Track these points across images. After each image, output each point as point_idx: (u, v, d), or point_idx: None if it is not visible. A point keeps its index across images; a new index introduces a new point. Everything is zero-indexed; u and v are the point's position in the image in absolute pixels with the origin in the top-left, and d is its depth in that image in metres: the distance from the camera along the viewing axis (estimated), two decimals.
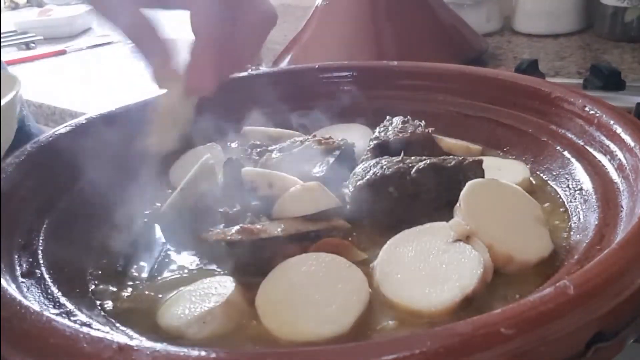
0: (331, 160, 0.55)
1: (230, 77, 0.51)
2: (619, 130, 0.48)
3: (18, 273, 0.43)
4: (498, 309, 0.31)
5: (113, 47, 1.47)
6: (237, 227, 0.47)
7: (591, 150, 0.52)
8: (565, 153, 0.54)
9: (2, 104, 0.59)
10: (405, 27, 1.02)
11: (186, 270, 0.49)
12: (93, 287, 0.47)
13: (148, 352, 0.31)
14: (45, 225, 0.50)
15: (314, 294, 0.42)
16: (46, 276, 0.44)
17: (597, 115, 0.52)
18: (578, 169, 0.52)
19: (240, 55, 0.51)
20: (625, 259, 0.34)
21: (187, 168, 0.56)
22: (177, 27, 0.50)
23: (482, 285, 0.41)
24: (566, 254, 0.45)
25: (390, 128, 0.58)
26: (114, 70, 1.30)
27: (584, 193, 0.49)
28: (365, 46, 1.01)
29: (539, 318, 0.30)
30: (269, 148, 0.59)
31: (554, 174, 0.55)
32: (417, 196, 0.49)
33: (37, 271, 0.45)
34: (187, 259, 0.50)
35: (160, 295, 0.45)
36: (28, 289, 0.42)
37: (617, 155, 0.48)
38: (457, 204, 0.47)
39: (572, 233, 0.48)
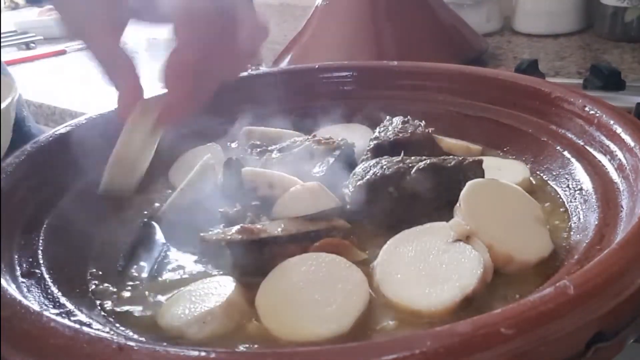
0: (331, 160, 0.55)
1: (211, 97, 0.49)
2: (619, 130, 0.48)
3: (18, 273, 0.43)
4: (498, 309, 0.31)
5: None
6: (237, 227, 0.47)
7: (591, 150, 0.52)
8: (565, 153, 0.54)
9: (2, 107, 0.59)
10: (405, 27, 1.02)
11: (186, 270, 0.49)
12: (93, 287, 0.47)
13: (148, 352, 0.31)
14: (45, 225, 0.50)
15: (313, 294, 0.42)
16: (46, 276, 0.44)
17: (597, 115, 0.52)
18: (578, 169, 0.52)
19: (226, 73, 0.48)
20: (625, 259, 0.34)
21: (187, 168, 0.56)
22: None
23: (482, 285, 0.41)
24: (566, 254, 0.45)
25: (390, 128, 0.58)
26: None
27: (584, 193, 0.49)
28: (365, 46, 1.01)
29: (539, 318, 0.30)
30: (269, 148, 0.59)
31: (554, 174, 0.55)
32: (417, 196, 0.49)
33: (37, 271, 0.45)
34: (187, 259, 0.50)
35: (160, 295, 0.45)
36: (28, 289, 0.42)
37: (617, 155, 0.48)
38: (457, 204, 0.47)
39: (572, 233, 0.48)
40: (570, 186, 0.52)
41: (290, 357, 0.31)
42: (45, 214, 0.51)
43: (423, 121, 0.59)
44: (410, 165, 0.50)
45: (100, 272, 0.49)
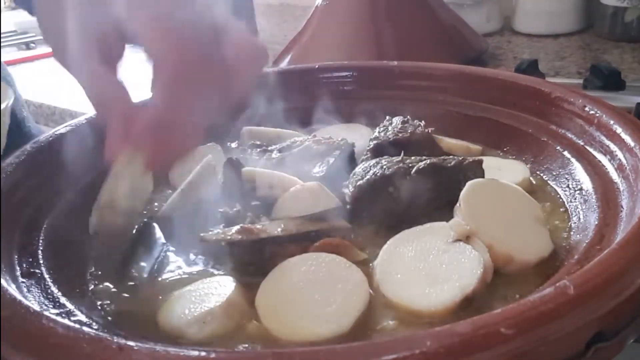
0: (331, 160, 0.55)
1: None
2: (619, 130, 0.48)
3: (18, 273, 0.43)
4: (498, 309, 0.31)
5: None
6: (237, 227, 0.47)
7: (591, 150, 0.52)
8: (565, 153, 0.54)
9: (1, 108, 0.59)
10: (405, 27, 1.02)
11: (186, 270, 0.49)
12: (93, 287, 0.47)
13: (148, 352, 0.31)
14: (45, 226, 0.50)
15: (313, 294, 0.42)
16: (46, 276, 0.44)
17: (597, 115, 0.52)
18: (578, 169, 0.52)
19: (222, 104, 0.44)
20: (625, 259, 0.34)
21: (187, 168, 0.56)
22: None
23: (482, 285, 0.41)
24: (566, 254, 0.45)
25: (390, 128, 0.58)
26: None
27: (584, 193, 0.49)
28: (365, 46, 1.01)
29: (539, 318, 0.30)
30: (269, 148, 0.59)
31: (554, 174, 0.55)
32: (417, 196, 0.49)
33: (37, 271, 0.45)
34: (187, 259, 0.50)
35: (160, 296, 0.45)
36: (28, 289, 0.42)
37: (617, 155, 0.48)
38: (457, 204, 0.47)
39: (572, 233, 0.48)
40: (570, 186, 0.52)
41: (290, 357, 0.31)
42: (45, 214, 0.51)
43: (423, 121, 0.59)
44: (410, 165, 0.50)
45: (100, 272, 0.49)
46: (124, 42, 0.44)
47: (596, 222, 0.44)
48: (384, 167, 0.50)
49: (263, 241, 0.46)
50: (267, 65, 0.45)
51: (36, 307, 0.36)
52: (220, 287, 0.44)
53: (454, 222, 0.45)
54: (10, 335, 0.34)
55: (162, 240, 0.52)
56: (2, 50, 1.47)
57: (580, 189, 0.50)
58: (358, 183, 0.50)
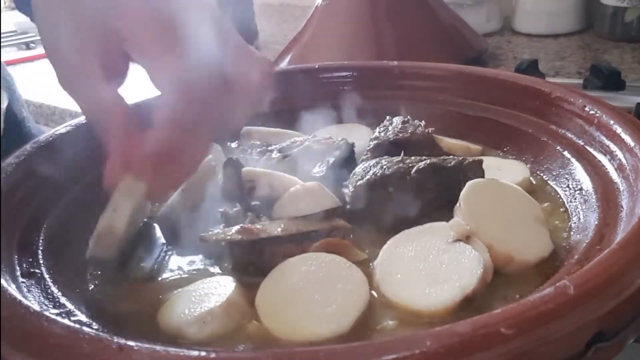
0: (331, 160, 0.55)
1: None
2: (619, 130, 0.48)
3: (18, 273, 0.43)
4: (498, 309, 0.31)
5: None
6: (237, 227, 0.47)
7: (591, 150, 0.52)
8: (565, 153, 0.54)
9: None
10: (405, 27, 1.02)
11: (186, 270, 0.49)
12: (93, 287, 0.47)
13: (148, 352, 0.31)
14: (45, 225, 0.50)
15: (313, 294, 0.42)
16: (46, 276, 0.44)
17: (597, 115, 0.52)
18: (578, 169, 0.52)
19: (225, 128, 0.44)
20: (625, 259, 0.34)
21: None
22: None
23: (482, 285, 0.41)
24: (566, 254, 0.45)
25: (390, 128, 0.59)
26: None
27: (584, 193, 0.49)
28: (365, 46, 1.01)
29: (539, 318, 0.30)
30: (269, 148, 0.59)
31: (554, 174, 0.55)
32: (417, 196, 0.49)
33: (37, 271, 0.45)
34: (187, 259, 0.50)
35: (160, 296, 0.45)
36: (28, 289, 0.42)
37: (617, 155, 0.48)
38: (457, 204, 0.47)
39: (572, 233, 0.48)
40: (570, 186, 0.52)
41: (290, 357, 0.31)
42: (45, 214, 0.51)
43: (423, 121, 0.59)
44: (410, 165, 0.50)
45: (100, 272, 0.49)
46: (127, 61, 0.43)
47: (596, 222, 0.44)
48: (384, 167, 0.50)
49: (263, 241, 0.46)
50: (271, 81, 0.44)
51: (36, 307, 0.36)
52: (221, 287, 0.44)
53: (454, 222, 0.45)
54: (10, 335, 0.34)
55: (162, 240, 0.52)
56: (2, 50, 1.47)
57: (580, 189, 0.50)
58: (358, 183, 0.50)
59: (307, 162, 0.56)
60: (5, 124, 0.77)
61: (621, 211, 0.43)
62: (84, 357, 0.32)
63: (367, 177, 0.50)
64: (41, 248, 0.47)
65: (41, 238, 0.49)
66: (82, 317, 0.39)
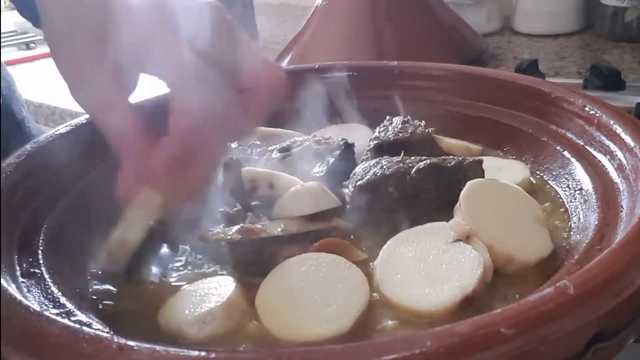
0: (331, 160, 0.55)
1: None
2: (619, 130, 0.48)
3: (18, 273, 0.43)
4: (498, 309, 0.31)
5: None
6: (237, 227, 0.47)
7: (591, 150, 0.52)
8: (565, 153, 0.54)
9: None
10: (405, 27, 1.02)
11: (186, 270, 0.49)
12: (93, 287, 0.47)
13: (148, 352, 0.31)
14: (45, 225, 0.50)
15: (314, 294, 0.42)
16: (46, 276, 0.44)
17: (597, 115, 0.52)
18: (578, 169, 0.52)
19: (236, 134, 0.43)
20: (625, 259, 0.34)
21: None
22: None
23: (482, 285, 0.41)
24: (566, 254, 0.45)
25: (390, 128, 0.58)
26: None
27: (584, 193, 0.49)
28: (365, 46, 1.01)
29: (539, 318, 0.30)
30: (269, 148, 0.59)
31: (554, 174, 0.55)
32: (417, 196, 0.49)
33: (37, 271, 0.45)
34: (187, 259, 0.50)
35: (160, 295, 0.45)
36: (28, 289, 0.42)
37: (617, 155, 0.48)
38: (457, 204, 0.47)
39: (572, 233, 0.48)
40: (570, 186, 0.52)
41: (290, 357, 0.31)
42: (45, 214, 0.51)
43: (423, 121, 0.59)
44: (410, 165, 0.50)
45: (100, 272, 0.49)
46: (139, 71, 0.42)
47: (596, 222, 0.44)
48: (384, 167, 0.50)
49: (263, 241, 0.46)
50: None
51: (36, 307, 0.36)
52: (221, 287, 0.44)
53: (454, 222, 0.45)
54: (10, 335, 0.34)
55: (162, 240, 0.52)
56: (2, 50, 1.47)
57: (580, 189, 0.50)
58: (358, 183, 0.50)
59: (307, 162, 0.56)
60: (5, 124, 0.77)
61: (621, 211, 0.43)
62: (84, 357, 0.32)
63: (367, 177, 0.50)
64: (41, 248, 0.47)
65: (41, 238, 0.49)
66: (82, 317, 0.39)
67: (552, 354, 0.31)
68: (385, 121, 0.60)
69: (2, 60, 0.82)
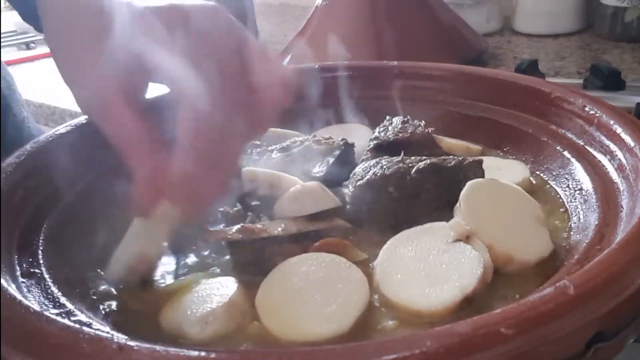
0: (331, 160, 0.55)
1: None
2: (619, 130, 0.48)
3: (18, 273, 0.43)
4: (498, 309, 0.31)
5: None
6: (237, 227, 0.47)
7: (591, 150, 0.52)
8: (565, 153, 0.54)
9: None
10: (405, 27, 1.02)
11: (187, 271, 0.48)
12: (93, 287, 0.47)
13: (148, 352, 0.31)
14: (45, 225, 0.50)
15: (314, 294, 0.42)
16: (46, 276, 0.44)
17: (597, 115, 0.52)
18: (578, 169, 0.52)
19: (248, 137, 0.43)
20: (625, 259, 0.34)
21: None
22: None
23: (482, 285, 0.41)
24: (566, 254, 0.45)
25: (390, 128, 0.59)
26: None
27: (584, 193, 0.49)
28: (365, 46, 1.01)
29: (539, 318, 0.30)
30: (269, 148, 0.59)
31: (554, 174, 0.55)
32: (417, 196, 0.49)
33: (37, 271, 0.44)
34: (187, 259, 0.50)
35: (161, 296, 0.45)
36: (28, 289, 0.42)
37: (617, 155, 0.48)
38: (457, 204, 0.47)
39: (572, 233, 0.48)
40: (570, 186, 0.52)
41: (290, 357, 0.31)
42: (45, 214, 0.51)
43: (423, 121, 0.59)
44: (410, 165, 0.50)
45: (100, 272, 0.49)
46: (147, 79, 0.42)
47: (596, 222, 0.44)
48: (384, 167, 0.50)
49: (263, 241, 0.46)
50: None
51: (36, 307, 0.36)
52: (222, 288, 0.44)
53: (454, 222, 0.45)
54: (10, 335, 0.34)
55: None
56: (2, 50, 1.47)
57: (580, 189, 0.50)
58: (358, 183, 0.50)
59: (307, 162, 0.56)
60: (6, 125, 0.77)
61: (621, 211, 0.43)
62: (84, 357, 0.32)
63: (367, 177, 0.50)
64: (41, 248, 0.47)
65: (41, 238, 0.49)
66: (82, 317, 0.39)
67: (552, 354, 0.31)
68: (385, 121, 0.60)
69: (2, 60, 0.82)
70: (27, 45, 1.51)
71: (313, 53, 1.04)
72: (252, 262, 0.46)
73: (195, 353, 0.31)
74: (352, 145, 0.58)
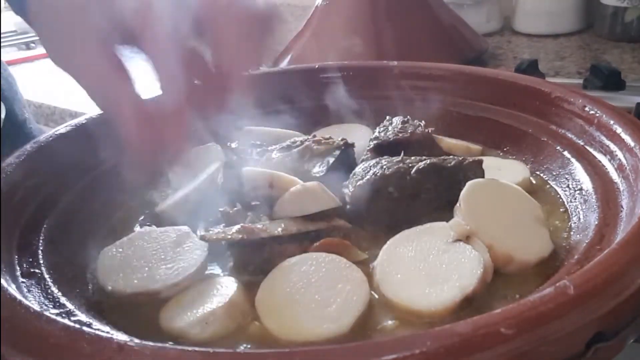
0: (331, 160, 0.55)
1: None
2: (619, 130, 0.48)
3: (18, 273, 0.43)
4: (498, 309, 0.31)
5: None
6: (237, 227, 0.47)
7: (591, 150, 0.52)
8: (565, 153, 0.54)
9: None
10: (405, 27, 1.02)
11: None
12: (93, 287, 0.47)
13: (148, 352, 0.31)
14: (45, 225, 0.50)
15: (314, 294, 0.42)
16: (46, 276, 0.44)
17: (597, 115, 0.52)
18: (578, 169, 0.52)
19: (257, 61, 0.44)
20: (625, 259, 0.34)
21: (187, 168, 0.56)
22: None
23: (482, 285, 0.41)
24: (566, 254, 0.45)
25: (390, 128, 0.58)
26: None
27: (584, 193, 0.49)
28: (365, 46, 1.01)
29: (539, 318, 0.30)
30: (269, 148, 0.59)
31: (554, 174, 0.55)
32: (417, 196, 0.49)
33: (37, 271, 0.45)
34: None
35: (161, 296, 0.45)
36: (28, 289, 0.42)
37: (617, 155, 0.48)
38: (457, 204, 0.47)
39: (572, 233, 0.48)
40: (570, 186, 0.52)
41: (290, 357, 0.31)
42: (45, 214, 0.51)
43: (423, 121, 0.59)
44: (410, 165, 0.50)
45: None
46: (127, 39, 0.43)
47: (596, 222, 0.44)
48: (384, 167, 0.50)
49: (263, 241, 0.46)
50: (269, 65, 0.44)
51: (36, 307, 0.36)
52: (223, 288, 0.44)
53: (454, 222, 0.45)
54: (10, 335, 0.34)
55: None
56: (2, 50, 1.47)
57: (580, 189, 0.50)
58: (358, 183, 0.50)
59: (307, 162, 0.56)
60: (7, 125, 0.77)
61: (621, 211, 0.43)
62: (84, 357, 0.32)
63: (367, 177, 0.50)
64: (41, 248, 0.47)
65: (41, 238, 0.49)
66: (82, 317, 0.39)
67: (552, 354, 0.31)
68: (385, 121, 0.60)
69: (2, 60, 0.82)
70: (27, 45, 1.51)
71: (313, 53, 1.04)
72: (252, 261, 0.46)
73: (195, 353, 0.31)
74: (352, 145, 0.58)
